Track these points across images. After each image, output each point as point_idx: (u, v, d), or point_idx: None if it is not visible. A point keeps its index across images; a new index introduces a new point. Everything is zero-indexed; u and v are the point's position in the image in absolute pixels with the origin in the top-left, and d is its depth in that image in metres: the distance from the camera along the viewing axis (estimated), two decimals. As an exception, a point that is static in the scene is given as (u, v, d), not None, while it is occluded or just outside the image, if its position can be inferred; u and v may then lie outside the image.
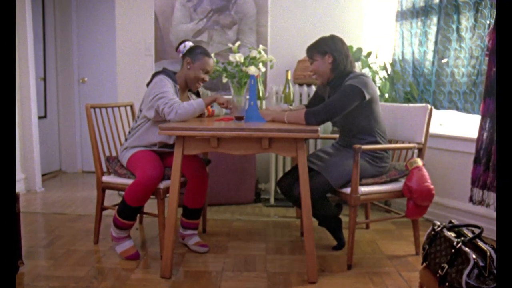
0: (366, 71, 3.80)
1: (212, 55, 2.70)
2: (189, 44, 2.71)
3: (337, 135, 3.02)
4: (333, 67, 2.53)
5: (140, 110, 2.68)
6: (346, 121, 2.60)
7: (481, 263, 1.66)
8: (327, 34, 3.06)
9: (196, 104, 2.46)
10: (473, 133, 3.01)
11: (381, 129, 2.59)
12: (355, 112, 2.49)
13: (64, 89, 5.33)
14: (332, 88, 2.58)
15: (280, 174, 3.81)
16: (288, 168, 3.84)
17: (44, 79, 5.06)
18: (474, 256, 1.68)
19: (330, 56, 2.51)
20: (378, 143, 2.56)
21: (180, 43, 2.72)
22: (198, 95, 2.86)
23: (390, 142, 2.87)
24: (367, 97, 2.43)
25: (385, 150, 2.59)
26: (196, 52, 2.66)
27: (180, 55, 2.72)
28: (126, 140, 2.75)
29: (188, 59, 2.65)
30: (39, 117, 4.65)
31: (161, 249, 2.54)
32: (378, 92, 2.56)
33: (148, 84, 2.65)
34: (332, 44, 2.53)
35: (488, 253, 1.68)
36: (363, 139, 2.55)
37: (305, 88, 3.76)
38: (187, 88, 2.75)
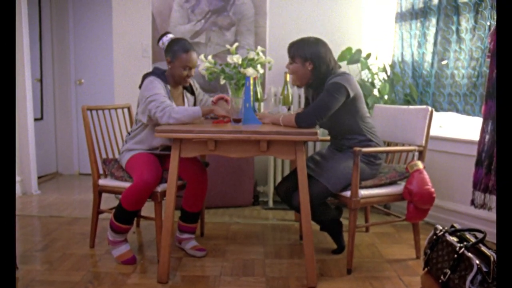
0: (365, 72, 3.77)
1: (210, 56, 2.66)
2: (167, 39, 2.61)
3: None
4: (312, 74, 2.48)
5: (137, 114, 2.64)
6: (331, 122, 2.54)
7: (484, 269, 1.63)
8: (326, 35, 3.02)
9: (192, 111, 2.39)
10: (474, 136, 2.99)
11: (368, 126, 2.55)
12: (339, 111, 2.44)
13: (60, 91, 5.29)
14: (315, 90, 2.56)
15: (279, 177, 3.77)
16: (287, 170, 3.81)
17: (41, 81, 5.02)
18: (477, 261, 1.65)
19: (311, 64, 2.45)
20: (370, 140, 2.52)
21: (159, 39, 2.64)
22: (192, 92, 2.80)
23: (390, 144, 2.84)
24: (351, 94, 2.40)
25: (383, 152, 2.55)
26: (174, 49, 2.55)
27: (163, 51, 2.66)
28: (126, 142, 2.71)
29: (168, 57, 2.57)
30: (36, 119, 4.62)
31: (158, 253, 2.51)
32: (360, 90, 2.52)
33: (140, 87, 2.61)
34: (316, 51, 2.45)
35: (492, 259, 1.65)
36: (354, 138, 2.52)
37: (303, 90, 3.73)
38: (179, 85, 2.69)
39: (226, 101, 2.68)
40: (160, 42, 2.63)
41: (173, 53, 2.55)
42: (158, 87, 2.49)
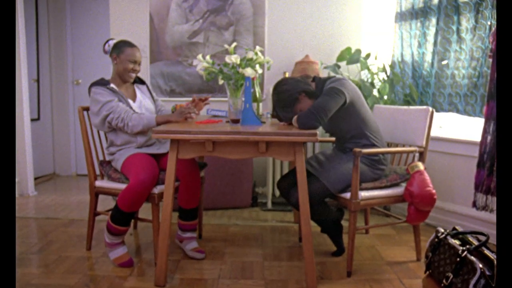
0: (365, 73, 3.74)
1: (208, 56, 2.63)
2: (112, 42, 2.76)
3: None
4: (309, 96, 2.46)
5: (94, 124, 2.67)
6: (333, 127, 2.56)
7: (488, 273, 1.60)
8: (325, 35, 3.00)
9: (146, 120, 2.53)
10: (475, 136, 2.96)
11: (372, 130, 2.52)
12: (340, 116, 2.44)
13: (58, 91, 5.25)
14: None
15: (278, 178, 3.74)
16: (286, 171, 3.78)
17: (38, 81, 4.98)
18: (480, 265, 1.62)
19: (301, 93, 2.44)
20: (374, 145, 2.49)
21: (105, 44, 2.76)
22: (142, 82, 2.91)
23: (390, 145, 2.81)
24: (348, 99, 2.38)
25: (384, 153, 2.53)
26: (119, 46, 2.70)
27: (108, 55, 2.76)
28: (111, 147, 2.70)
29: (114, 54, 2.69)
30: (32, 119, 4.58)
31: (155, 255, 2.47)
32: (360, 94, 2.50)
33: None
34: (291, 87, 2.42)
35: (495, 262, 1.62)
36: (357, 143, 2.50)
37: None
38: (124, 82, 2.76)
39: (204, 100, 2.82)
40: (106, 45, 2.77)
41: (119, 48, 2.69)
42: (103, 94, 2.58)
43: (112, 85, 2.66)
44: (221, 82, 2.65)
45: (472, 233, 1.88)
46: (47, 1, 5.10)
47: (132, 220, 2.85)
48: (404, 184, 2.52)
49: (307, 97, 2.46)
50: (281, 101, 2.45)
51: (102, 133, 2.90)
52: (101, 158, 3.69)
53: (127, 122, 2.52)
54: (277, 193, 3.79)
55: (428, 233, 2.97)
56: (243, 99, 2.39)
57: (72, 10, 5.16)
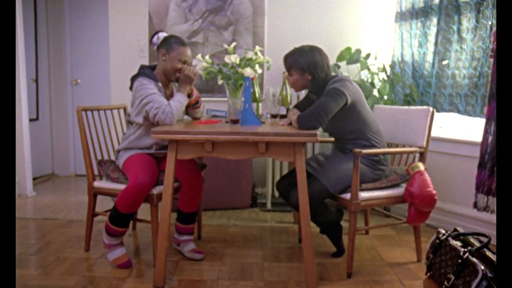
0: (365, 73, 3.73)
1: (207, 56, 2.62)
2: (162, 34, 2.63)
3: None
4: (311, 83, 2.48)
5: (129, 115, 2.63)
6: (334, 127, 2.54)
7: (489, 274, 1.59)
8: (325, 35, 2.98)
9: (182, 98, 2.49)
10: (476, 136, 2.95)
11: (372, 131, 2.51)
12: (340, 117, 2.43)
13: (56, 91, 5.24)
14: (318, 96, 2.53)
15: (277, 178, 3.73)
16: (285, 171, 3.76)
17: (36, 81, 4.96)
18: (482, 267, 1.60)
19: (309, 74, 2.45)
20: (374, 146, 2.48)
21: (153, 35, 2.64)
22: None
23: (390, 146, 2.79)
24: (349, 100, 2.37)
25: (384, 153, 2.51)
26: (171, 42, 2.58)
27: (155, 47, 2.65)
28: (121, 142, 2.68)
29: (163, 50, 2.59)
30: (31, 119, 4.56)
31: (154, 256, 2.46)
32: (362, 94, 2.49)
33: (131, 88, 2.60)
34: (312, 61, 2.43)
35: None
36: (357, 144, 2.49)
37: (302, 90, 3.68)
38: (169, 81, 2.68)
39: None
40: (155, 37, 2.63)
41: (170, 44, 2.58)
42: (149, 86, 2.48)
43: (160, 84, 2.57)
44: (220, 82, 2.63)
45: (473, 234, 1.87)
46: (46, 1, 5.08)
47: (131, 221, 2.84)
48: (404, 185, 2.51)
49: (309, 81, 2.47)
50: (303, 54, 2.44)
51: (100, 133, 2.88)
52: (99, 157, 3.67)
53: (171, 114, 2.40)
54: (277, 193, 3.78)
55: (428, 234, 2.95)
56: (243, 99, 2.38)
57: (70, 9, 5.14)
